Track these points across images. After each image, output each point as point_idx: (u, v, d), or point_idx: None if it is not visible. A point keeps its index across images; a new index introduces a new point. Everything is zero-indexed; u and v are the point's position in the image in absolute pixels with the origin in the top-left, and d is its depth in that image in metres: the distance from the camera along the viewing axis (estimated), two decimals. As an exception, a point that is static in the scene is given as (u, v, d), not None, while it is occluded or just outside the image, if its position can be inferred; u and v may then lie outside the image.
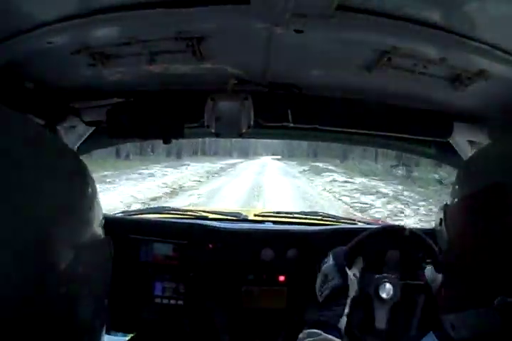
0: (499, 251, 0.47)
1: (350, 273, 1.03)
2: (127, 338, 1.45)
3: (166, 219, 1.67)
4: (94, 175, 0.46)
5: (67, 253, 0.38)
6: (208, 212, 1.74)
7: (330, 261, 1.09)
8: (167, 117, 1.16)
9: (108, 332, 1.42)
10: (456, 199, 0.57)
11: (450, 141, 1.26)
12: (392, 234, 1.37)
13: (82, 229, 0.41)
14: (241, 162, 33.41)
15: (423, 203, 10.26)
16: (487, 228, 0.49)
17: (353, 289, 1.00)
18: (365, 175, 17.51)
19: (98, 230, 0.44)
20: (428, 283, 1.19)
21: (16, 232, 0.34)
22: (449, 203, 0.60)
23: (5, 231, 0.33)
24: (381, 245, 1.39)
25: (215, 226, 1.55)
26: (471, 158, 0.62)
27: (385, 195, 11.61)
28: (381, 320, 1.27)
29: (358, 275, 1.07)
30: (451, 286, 0.57)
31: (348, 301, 0.97)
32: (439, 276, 1.07)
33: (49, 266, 0.36)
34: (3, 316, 0.33)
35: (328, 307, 0.97)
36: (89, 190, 0.43)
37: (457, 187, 0.58)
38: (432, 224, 1.61)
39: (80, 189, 0.42)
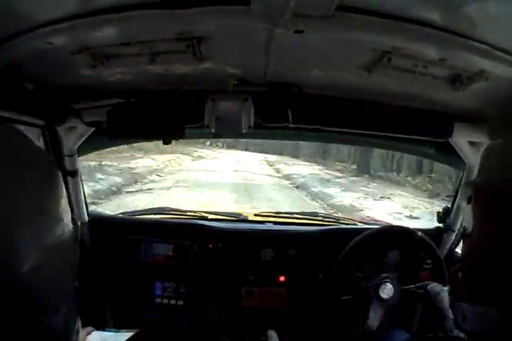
0: None
1: None
2: (121, 333, 1.45)
3: (166, 220, 1.67)
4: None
5: (35, 248, 0.39)
6: (207, 212, 1.74)
7: None
8: (167, 117, 1.16)
9: (104, 329, 1.43)
10: (488, 176, 0.53)
11: (450, 141, 1.26)
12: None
13: (50, 226, 0.42)
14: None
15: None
16: None
17: None
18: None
19: (65, 226, 0.45)
20: (428, 293, 1.18)
21: None
22: (479, 180, 0.55)
23: None
24: (381, 246, 1.40)
25: (215, 227, 1.56)
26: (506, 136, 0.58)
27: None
28: (374, 319, 1.28)
29: None
30: (469, 273, 0.54)
31: None
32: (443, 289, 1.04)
33: (15, 261, 0.37)
34: None
35: None
36: (59, 189, 0.44)
37: (489, 162, 0.54)
38: (432, 224, 1.61)
39: (49, 188, 0.43)
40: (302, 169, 16.00)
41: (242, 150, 25.93)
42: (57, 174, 0.45)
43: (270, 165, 18.03)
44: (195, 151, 19.83)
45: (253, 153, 23.91)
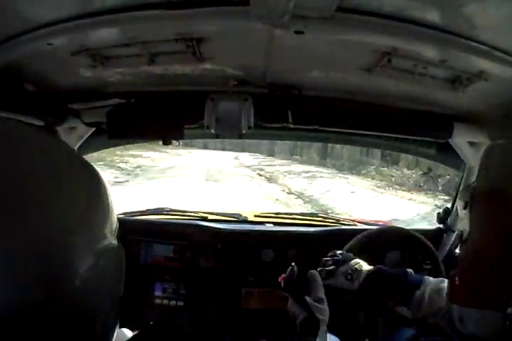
0: None
1: (310, 300, 0.90)
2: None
3: (166, 221, 1.66)
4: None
5: (84, 261, 0.39)
6: (207, 213, 1.74)
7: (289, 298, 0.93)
8: (167, 118, 1.16)
9: None
10: (487, 182, 0.52)
11: (450, 142, 1.26)
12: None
13: (98, 239, 0.41)
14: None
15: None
16: None
17: (324, 314, 0.87)
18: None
19: (112, 239, 0.44)
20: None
21: (31, 243, 0.34)
22: (477, 185, 0.55)
23: (19, 243, 0.34)
24: (380, 247, 1.39)
25: (215, 227, 1.55)
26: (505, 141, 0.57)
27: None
28: None
29: (322, 296, 0.92)
30: (466, 276, 0.54)
31: (323, 329, 0.85)
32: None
33: (66, 272, 0.37)
34: (25, 315, 0.34)
35: None
36: (104, 199, 0.43)
37: (489, 162, 0.54)
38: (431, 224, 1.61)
39: (94, 199, 0.42)
40: (341, 190, 8.80)
41: (201, 148, 21.17)
42: (101, 181, 0.44)
43: (269, 180, 10.55)
44: (136, 157, 11.10)
45: (217, 152, 19.13)
